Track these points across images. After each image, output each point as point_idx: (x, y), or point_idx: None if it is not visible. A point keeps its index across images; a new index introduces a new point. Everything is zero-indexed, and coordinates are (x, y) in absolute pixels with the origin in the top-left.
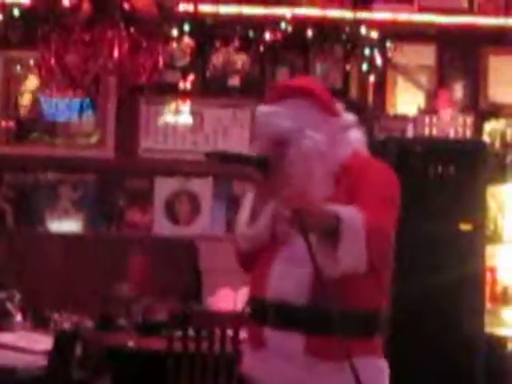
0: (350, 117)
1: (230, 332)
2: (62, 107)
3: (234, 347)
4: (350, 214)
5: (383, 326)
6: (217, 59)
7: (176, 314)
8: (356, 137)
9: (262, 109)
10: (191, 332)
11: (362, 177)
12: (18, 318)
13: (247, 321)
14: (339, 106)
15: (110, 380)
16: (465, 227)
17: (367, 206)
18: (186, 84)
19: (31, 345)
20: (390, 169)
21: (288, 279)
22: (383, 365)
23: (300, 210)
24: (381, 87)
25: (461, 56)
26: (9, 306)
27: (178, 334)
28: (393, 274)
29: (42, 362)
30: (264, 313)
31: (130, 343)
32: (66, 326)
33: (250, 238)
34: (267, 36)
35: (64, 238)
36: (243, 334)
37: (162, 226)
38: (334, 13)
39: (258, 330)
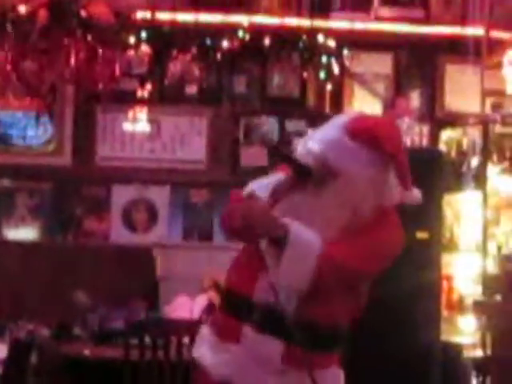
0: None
1: (186, 340)
2: (19, 115)
3: (190, 355)
4: (305, 235)
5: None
6: (174, 67)
7: (132, 322)
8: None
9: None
10: (148, 340)
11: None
12: None
13: (218, 311)
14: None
15: None
16: (421, 235)
17: (351, 242)
18: (144, 92)
19: None
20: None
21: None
22: (341, 374)
23: (248, 216)
24: (338, 95)
25: (418, 64)
26: None
27: (135, 342)
28: None
29: None
30: (248, 311)
31: (87, 352)
32: (22, 334)
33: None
34: (224, 44)
35: (20, 245)
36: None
37: (119, 234)
38: (292, 21)
39: (236, 325)
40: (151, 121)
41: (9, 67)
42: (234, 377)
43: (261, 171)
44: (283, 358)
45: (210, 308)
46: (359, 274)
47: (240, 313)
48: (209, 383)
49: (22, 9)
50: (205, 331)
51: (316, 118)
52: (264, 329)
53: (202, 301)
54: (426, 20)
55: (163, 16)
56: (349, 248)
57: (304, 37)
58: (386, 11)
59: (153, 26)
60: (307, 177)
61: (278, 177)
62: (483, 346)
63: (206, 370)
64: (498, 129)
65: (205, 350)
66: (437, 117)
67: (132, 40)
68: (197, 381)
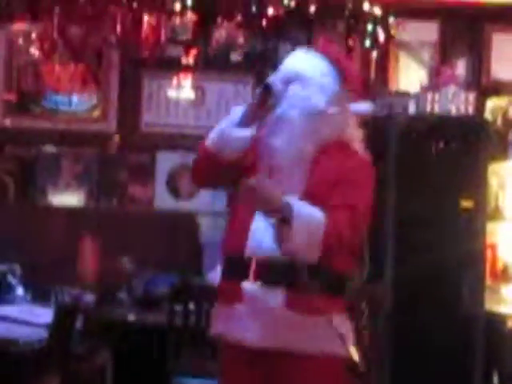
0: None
1: None
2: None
3: None
4: (307, 209)
5: (350, 289)
6: (219, 34)
7: (177, 288)
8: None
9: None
10: (192, 306)
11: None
12: (20, 291)
13: (221, 280)
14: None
15: (109, 354)
16: (466, 204)
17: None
18: (189, 59)
19: (32, 318)
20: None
21: (268, 236)
22: (346, 320)
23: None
24: (383, 63)
25: (463, 33)
26: (10, 279)
27: (179, 307)
28: (393, 250)
29: (42, 334)
30: (244, 269)
31: (131, 317)
32: (67, 299)
33: (230, 139)
34: (270, 11)
35: (66, 211)
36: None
37: (164, 201)
38: None
39: (236, 286)
40: (196, 88)
41: (55, 33)
42: (246, 337)
43: None
44: (288, 304)
45: None
46: (357, 238)
47: (237, 273)
48: (232, 352)
49: None
50: (215, 307)
51: (362, 86)
52: (262, 281)
53: None
54: None
55: None
56: (345, 216)
57: (349, 4)
58: None
59: None
60: (270, 92)
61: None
62: None
63: (224, 341)
64: None
65: (218, 323)
66: (483, 85)
67: (177, 6)
68: (223, 358)
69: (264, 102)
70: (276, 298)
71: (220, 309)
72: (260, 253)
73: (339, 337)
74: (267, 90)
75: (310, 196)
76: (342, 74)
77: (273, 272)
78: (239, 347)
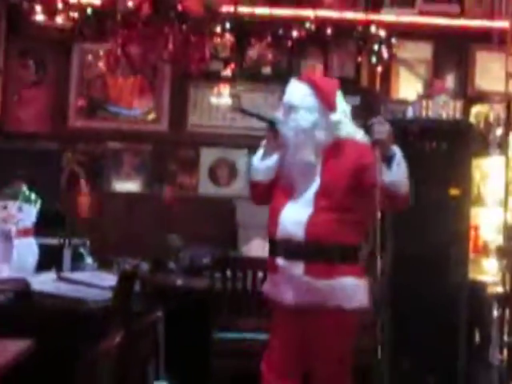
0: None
1: (260, 274)
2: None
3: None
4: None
5: (361, 256)
6: (252, 52)
7: (217, 259)
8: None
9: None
10: (229, 273)
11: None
12: (89, 260)
13: (268, 255)
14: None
15: (162, 312)
16: (453, 192)
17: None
18: (227, 72)
19: (99, 282)
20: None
21: (291, 222)
22: (363, 283)
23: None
24: (386, 77)
25: (452, 51)
26: (82, 250)
27: (218, 275)
28: (393, 228)
29: (108, 295)
30: (276, 248)
31: (179, 282)
32: (128, 267)
33: (261, 170)
34: (294, 33)
35: (126, 196)
36: None
37: (206, 188)
38: (349, 14)
39: (274, 260)
40: (233, 95)
41: (119, 51)
42: (283, 298)
43: None
44: (305, 272)
45: None
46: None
47: (274, 251)
48: (277, 309)
49: (130, 3)
50: (267, 275)
51: (368, 94)
52: (287, 256)
53: None
54: (461, 14)
55: (244, 9)
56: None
57: (359, 28)
58: (427, 7)
59: (235, 18)
60: (275, 126)
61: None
62: (503, 283)
63: (272, 300)
64: None
65: (267, 288)
66: (468, 95)
67: (218, 29)
68: (271, 308)
69: (273, 136)
70: (297, 268)
71: (268, 277)
72: (285, 236)
73: (351, 295)
74: (272, 126)
75: (328, 185)
76: (320, 92)
77: (294, 249)
78: (281, 305)
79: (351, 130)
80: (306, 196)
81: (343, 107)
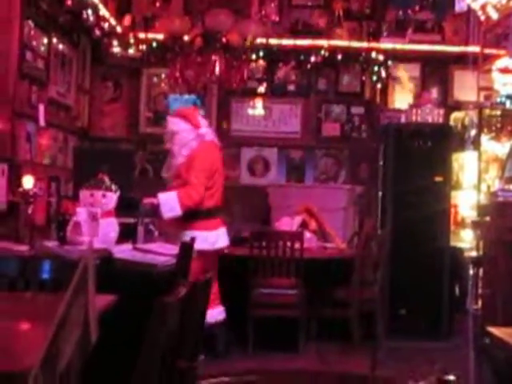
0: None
1: (288, 244)
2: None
3: (291, 253)
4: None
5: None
6: (280, 73)
7: (255, 232)
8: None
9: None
10: (264, 243)
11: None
12: (156, 234)
13: None
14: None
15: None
16: (438, 179)
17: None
18: (261, 89)
19: (165, 251)
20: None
21: None
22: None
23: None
24: (384, 91)
25: (436, 71)
26: (151, 227)
27: (256, 244)
28: (392, 208)
29: (172, 261)
30: None
31: (226, 250)
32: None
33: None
34: (312, 58)
35: None
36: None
37: (246, 178)
38: (355, 43)
39: None
40: (265, 107)
41: (177, 74)
42: None
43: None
44: None
45: (302, 224)
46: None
47: None
48: None
49: (186, 37)
50: None
51: (370, 105)
52: None
53: (297, 220)
54: (442, 42)
55: (273, 41)
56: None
57: (363, 54)
58: (415, 36)
59: (266, 47)
60: None
61: None
62: (477, 249)
63: None
64: (487, 112)
65: None
66: (448, 104)
67: (253, 56)
68: None
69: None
70: None
71: None
72: None
73: None
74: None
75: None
76: (187, 118)
77: None
78: None
79: (193, 143)
80: None
81: None
